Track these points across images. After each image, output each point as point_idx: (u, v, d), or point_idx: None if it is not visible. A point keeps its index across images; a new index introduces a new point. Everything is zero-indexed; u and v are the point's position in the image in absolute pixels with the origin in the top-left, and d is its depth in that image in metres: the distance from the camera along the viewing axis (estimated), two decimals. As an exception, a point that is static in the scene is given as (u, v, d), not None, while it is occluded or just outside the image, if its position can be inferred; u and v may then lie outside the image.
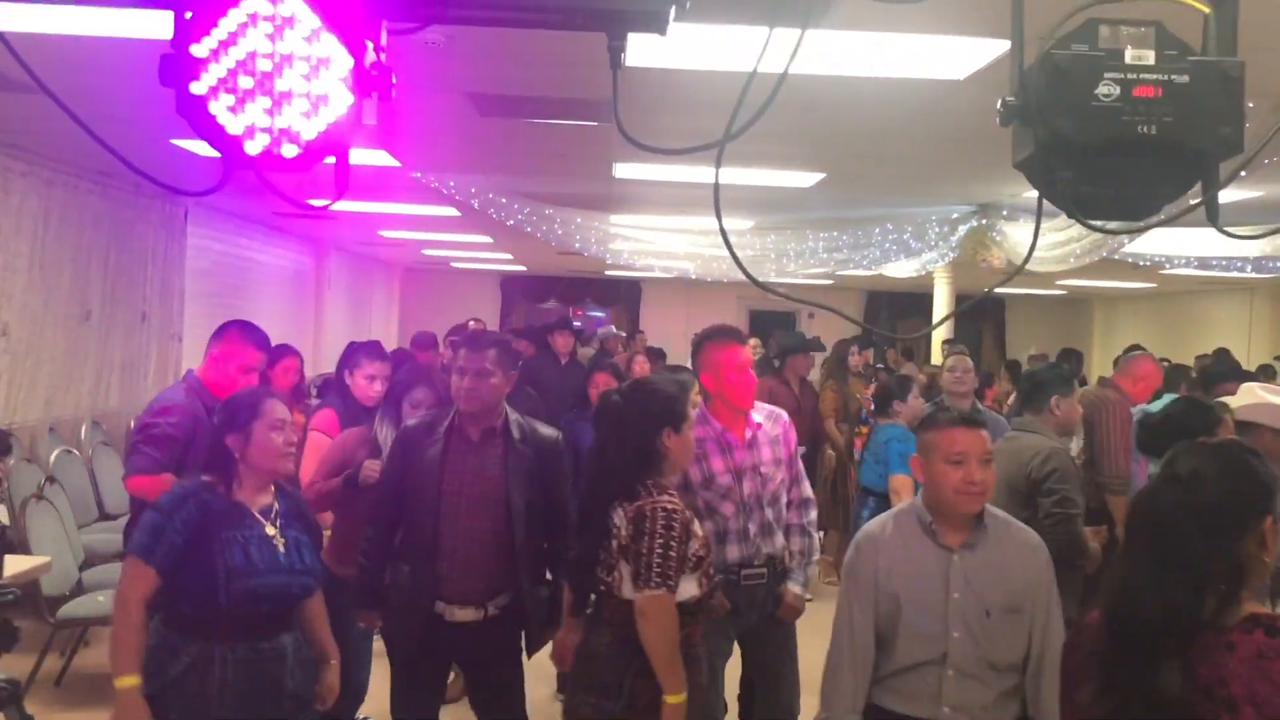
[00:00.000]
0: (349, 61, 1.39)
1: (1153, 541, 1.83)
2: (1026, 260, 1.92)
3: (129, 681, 2.78)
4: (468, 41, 4.37)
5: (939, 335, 10.94)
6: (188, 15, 1.38)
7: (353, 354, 4.90)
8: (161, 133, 5.99)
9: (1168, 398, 5.98)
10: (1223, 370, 6.41)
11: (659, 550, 2.83)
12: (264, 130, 1.39)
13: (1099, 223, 1.52)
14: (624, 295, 20.24)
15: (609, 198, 8.90)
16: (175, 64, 1.38)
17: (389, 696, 3.72)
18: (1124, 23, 1.52)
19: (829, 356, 8.07)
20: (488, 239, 12.73)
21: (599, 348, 11.67)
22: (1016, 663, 2.76)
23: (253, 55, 1.37)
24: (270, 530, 2.98)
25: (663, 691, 2.82)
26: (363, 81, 1.40)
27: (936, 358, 12.32)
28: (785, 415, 4.07)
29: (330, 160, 1.45)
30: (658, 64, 4.42)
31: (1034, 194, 1.62)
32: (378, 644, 4.22)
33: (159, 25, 1.39)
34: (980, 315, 19.97)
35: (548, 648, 3.62)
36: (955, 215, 8.24)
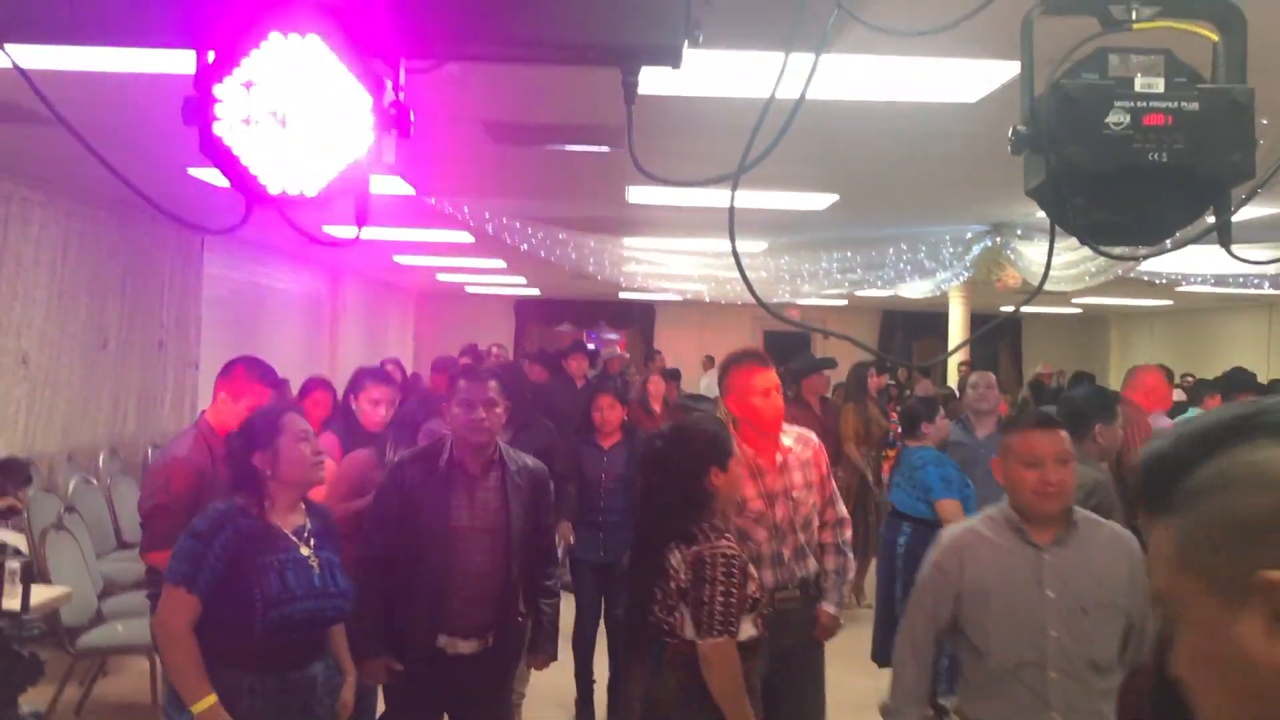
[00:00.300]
0: (368, 100, 1.41)
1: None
2: (1041, 286, 1.93)
3: (207, 703, 2.74)
4: (482, 70, 4.41)
5: (955, 355, 10.91)
6: (210, 56, 1.41)
7: (358, 379, 4.93)
8: (180, 164, 6.06)
9: (1191, 412, 5.97)
10: (1244, 379, 6.38)
11: (720, 597, 2.85)
12: (285, 169, 1.41)
13: (1112, 249, 1.52)
14: (638, 318, 20.27)
15: (622, 221, 8.94)
16: (198, 104, 1.41)
17: None
18: (1133, 51, 1.53)
19: (848, 379, 8.06)
20: (501, 263, 12.79)
21: (601, 369, 11.70)
22: (1115, 660, 2.75)
23: (274, 95, 1.40)
24: (305, 551, 2.93)
25: None
26: (382, 120, 1.42)
27: (953, 378, 12.28)
28: (815, 438, 4.07)
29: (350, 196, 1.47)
30: (672, 91, 4.45)
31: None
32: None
33: (178, 60, 1.41)
34: (997, 335, 19.91)
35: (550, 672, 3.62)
36: (969, 235, 8.24)
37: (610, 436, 5.55)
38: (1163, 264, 8.00)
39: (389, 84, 1.44)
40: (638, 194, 7.39)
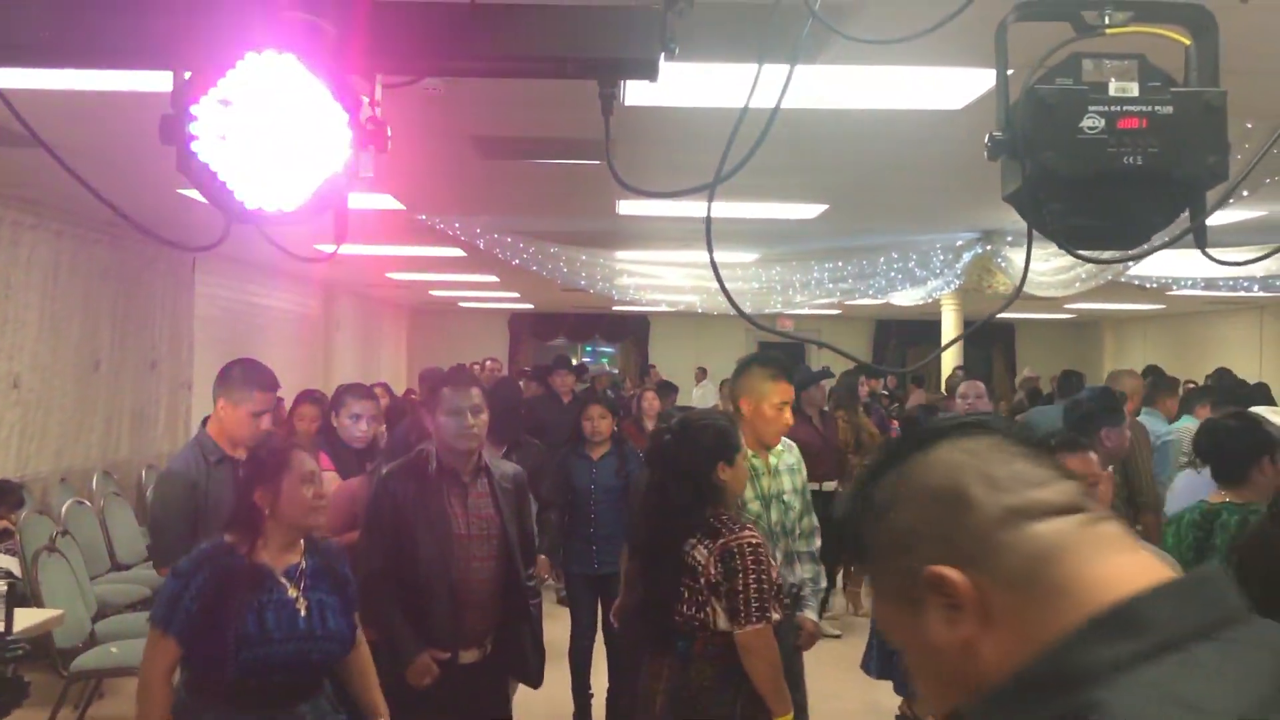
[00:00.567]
0: (345, 116, 1.42)
1: (1266, 584, 1.81)
2: (1019, 290, 1.94)
3: None
4: (467, 85, 4.42)
5: (949, 362, 10.93)
6: (186, 75, 1.42)
7: (338, 396, 4.90)
8: (168, 183, 6.06)
9: (1186, 421, 5.99)
10: (1229, 385, 6.43)
11: (753, 585, 2.90)
12: (262, 185, 1.41)
13: (1090, 253, 1.53)
14: (632, 331, 20.29)
15: (614, 234, 8.95)
16: (175, 123, 1.41)
17: None
18: (1107, 56, 1.54)
19: (838, 387, 8.06)
20: (494, 278, 12.80)
21: (589, 385, 11.73)
22: None
23: (250, 113, 1.40)
24: (293, 592, 2.86)
25: (773, 715, 2.94)
26: (359, 135, 1.43)
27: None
28: (796, 446, 4.10)
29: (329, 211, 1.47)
30: (656, 102, 4.46)
31: (1034, 221, 1.63)
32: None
33: (164, 79, 1.42)
34: (990, 340, 19.95)
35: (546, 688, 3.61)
36: (959, 242, 8.26)
37: (600, 447, 5.54)
38: (1153, 268, 8.02)
39: (365, 100, 1.45)
40: (627, 206, 7.41)
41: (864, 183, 6.51)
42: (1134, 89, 1.51)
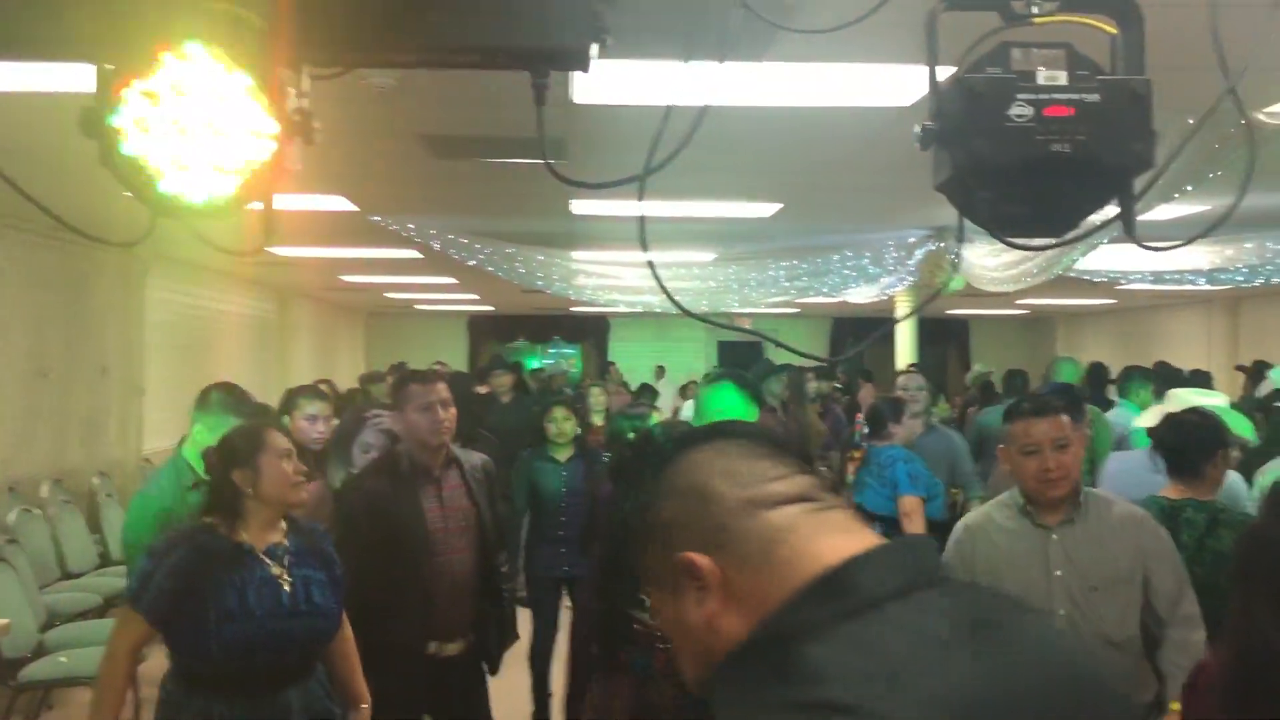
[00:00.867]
0: (270, 108, 1.40)
1: (1270, 578, 1.83)
2: (946, 284, 1.95)
3: None
4: (417, 84, 4.39)
5: (903, 357, 11.01)
6: (109, 68, 1.39)
7: (291, 398, 4.84)
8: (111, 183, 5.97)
9: (1127, 406, 6.09)
10: (1169, 373, 6.58)
11: None
12: (188, 178, 1.39)
13: (1020, 240, 1.54)
14: (592, 331, 20.26)
15: (570, 234, 8.93)
16: (97, 116, 1.39)
17: None
18: (1036, 45, 1.55)
19: (787, 385, 8.09)
20: (452, 280, 12.73)
21: (545, 384, 11.69)
22: (1134, 636, 2.81)
23: (174, 105, 1.38)
24: (276, 570, 2.84)
25: None
26: (285, 127, 1.41)
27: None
28: None
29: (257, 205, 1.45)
30: (609, 100, 4.46)
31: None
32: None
33: (87, 78, 1.39)
34: (945, 337, 20.11)
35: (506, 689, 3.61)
36: (912, 239, 8.32)
37: (565, 450, 5.51)
38: (1101, 263, 8.13)
39: (292, 92, 1.43)
40: (582, 206, 7.39)
41: (817, 181, 6.54)
42: (1062, 77, 1.53)
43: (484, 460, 3.82)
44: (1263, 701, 1.77)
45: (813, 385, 8.23)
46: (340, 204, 7.11)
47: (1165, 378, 6.46)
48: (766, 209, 7.45)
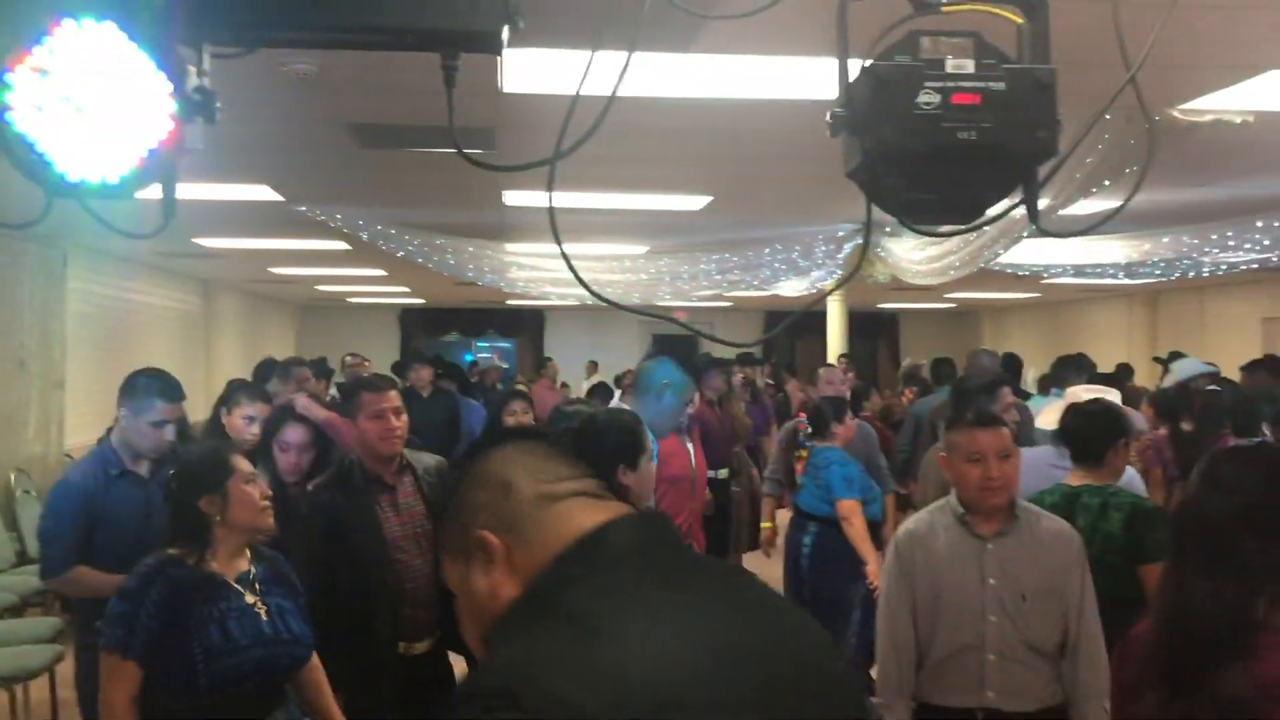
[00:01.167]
0: (168, 86, 1.36)
1: (1202, 548, 1.90)
2: (854, 272, 1.97)
3: None
4: (342, 72, 4.33)
5: (834, 350, 11.13)
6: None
7: (232, 393, 4.75)
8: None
9: (1039, 400, 6.24)
10: (1079, 363, 6.78)
11: None
12: (83, 157, 1.35)
13: (928, 227, 1.56)
14: (527, 325, 20.17)
15: (503, 226, 8.87)
16: (-12, 93, 1.34)
17: None
18: (944, 34, 1.57)
19: (725, 380, 8.11)
20: (382, 272, 12.58)
21: (477, 379, 11.59)
22: (1056, 646, 2.91)
23: (69, 82, 1.34)
24: (250, 598, 2.75)
25: None
26: (185, 106, 1.38)
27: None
28: None
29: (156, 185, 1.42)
30: (537, 89, 4.43)
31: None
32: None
33: None
34: (876, 330, 20.38)
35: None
36: (841, 233, 8.41)
37: None
38: (1024, 256, 8.29)
39: (192, 70, 1.39)
40: (514, 198, 7.35)
41: (746, 174, 6.58)
42: (970, 65, 1.55)
43: (438, 462, 3.78)
44: (1191, 666, 1.85)
45: (740, 377, 8.27)
46: (265, 194, 6.99)
47: (1080, 367, 6.63)
48: (697, 201, 7.47)
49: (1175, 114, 4.70)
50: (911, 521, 3.21)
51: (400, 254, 8.51)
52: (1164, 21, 1.54)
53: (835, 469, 5.36)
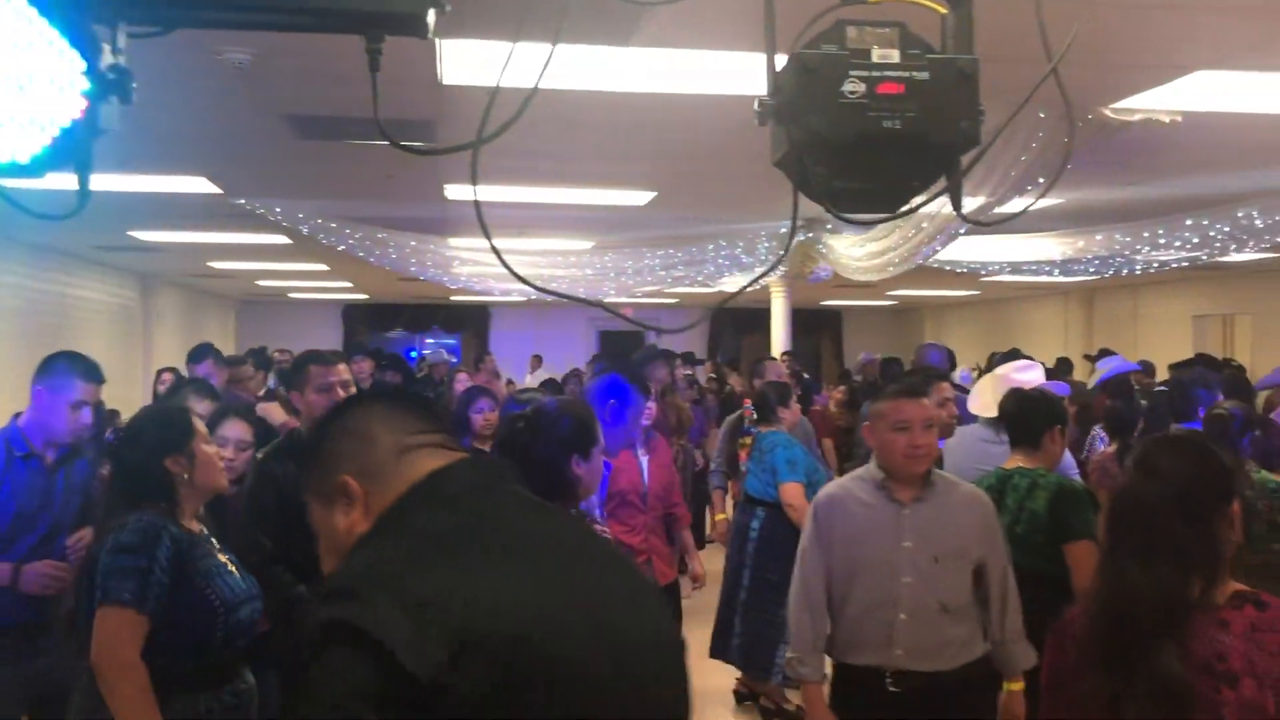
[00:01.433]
0: (81, 64, 1.33)
1: (1138, 533, 1.97)
2: (774, 266, 1.98)
3: None
4: (279, 62, 4.27)
5: (778, 346, 11.20)
6: (-95, 18, 1.31)
7: (178, 388, 4.65)
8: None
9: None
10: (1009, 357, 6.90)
11: None
12: (-9, 137, 1.31)
13: (855, 216, 1.57)
14: (472, 320, 20.05)
15: (447, 221, 8.81)
16: (-109, 69, 1.30)
17: None
18: (870, 24, 1.59)
19: (668, 372, 8.16)
20: (324, 266, 12.43)
21: (426, 373, 11.49)
22: (965, 605, 3.07)
23: (-23, 59, 1.30)
24: (222, 557, 2.78)
25: None
26: (99, 85, 1.34)
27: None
28: None
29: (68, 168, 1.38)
30: (477, 81, 4.40)
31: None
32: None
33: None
34: (820, 327, 20.54)
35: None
36: (784, 229, 8.46)
37: (488, 441, 5.43)
38: (962, 253, 8.40)
39: (106, 48, 1.36)
40: (456, 191, 7.30)
41: (689, 169, 6.59)
42: (895, 55, 1.56)
43: None
44: (1129, 647, 1.91)
45: (682, 372, 8.30)
46: (201, 185, 6.87)
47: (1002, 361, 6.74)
48: (641, 197, 7.48)
49: (1107, 113, 4.79)
50: (832, 485, 3.37)
51: (341, 248, 8.41)
52: (1086, 14, 1.57)
53: (780, 452, 5.40)
